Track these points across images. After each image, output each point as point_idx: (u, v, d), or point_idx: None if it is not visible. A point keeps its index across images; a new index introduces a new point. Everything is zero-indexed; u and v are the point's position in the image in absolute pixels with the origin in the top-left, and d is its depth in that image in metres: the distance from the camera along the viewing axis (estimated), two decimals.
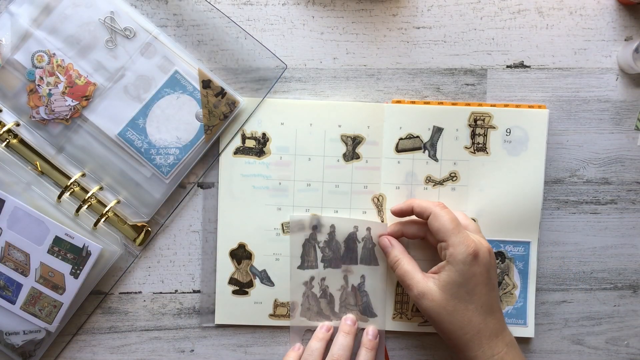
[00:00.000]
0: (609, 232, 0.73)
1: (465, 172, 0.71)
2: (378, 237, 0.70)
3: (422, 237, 0.69)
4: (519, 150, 0.71)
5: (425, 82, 0.72)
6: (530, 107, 0.71)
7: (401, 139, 0.71)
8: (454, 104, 0.71)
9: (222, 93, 0.69)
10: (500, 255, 0.72)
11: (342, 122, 0.71)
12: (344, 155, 0.71)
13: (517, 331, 0.72)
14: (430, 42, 0.72)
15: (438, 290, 0.63)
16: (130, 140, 0.69)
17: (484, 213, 0.72)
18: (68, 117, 0.69)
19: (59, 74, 0.68)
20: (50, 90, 0.68)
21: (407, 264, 0.66)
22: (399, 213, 0.69)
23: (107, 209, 0.70)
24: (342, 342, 0.68)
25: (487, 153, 0.71)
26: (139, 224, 0.71)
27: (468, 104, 0.71)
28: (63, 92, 0.68)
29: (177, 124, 0.69)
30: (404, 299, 0.72)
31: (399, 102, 0.71)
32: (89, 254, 0.68)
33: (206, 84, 0.69)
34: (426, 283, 0.64)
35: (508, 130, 0.71)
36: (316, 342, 0.69)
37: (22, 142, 0.69)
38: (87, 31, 0.69)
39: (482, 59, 0.72)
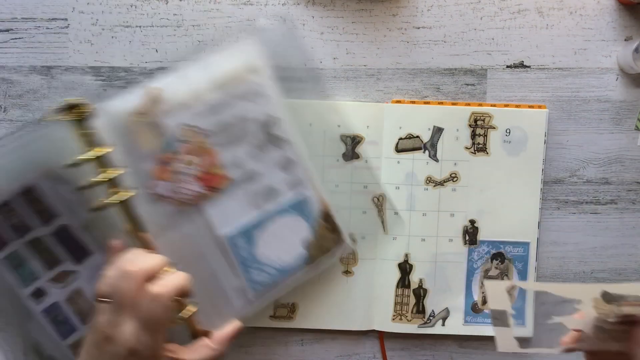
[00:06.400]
0: (609, 232, 0.73)
1: (465, 172, 0.71)
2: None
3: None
4: (518, 150, 0.71)
5: (425, 82, 0.72)
6: (530, 107, 0.71)
7: (401, 138, 0.71)
8: (454, 104, 0.71)
9: (336, 230, 0.68)
10: (499, 256, 0.72)
11: (342, 122, 0.71)
12: (344, 155, 0.71)
13: (516, 331, 0.72)
14: (430, 42, 0.72)
15: None
16: (236, 245, 0.65)
17: (484, 214, 0.72)
18: (188, 202, 0.63)
19: (198, 156, 0.63)
20: (183, 169, 0.63)
21: None
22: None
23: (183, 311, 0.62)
24: None
25: (487, 153, 0.71)
26: (201, 330, 0.63)
27: (468, 104, 0.71)
28: (196, 176, 0.63)
29: (283, 245, 0.67)
30: (404, 300, 0.72)
31: (399, 102, 0.71)
32: None
33: (326, 216, 0.68)
34: None
35: (508, 131, 0.71)
36: None
37: (124, 204, 0.60)
38: (243, 126, 0.65)
39: (482, 59, 0.72)
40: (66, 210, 0.63)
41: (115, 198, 0.59)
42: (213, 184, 0.64)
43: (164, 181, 0.63)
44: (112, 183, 0.59)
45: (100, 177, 0.58)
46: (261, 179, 0.66)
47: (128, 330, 0.54)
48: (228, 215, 0.65)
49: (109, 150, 0.59)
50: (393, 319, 0.72)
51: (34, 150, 0.61)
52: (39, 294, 0.66)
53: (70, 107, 0.57)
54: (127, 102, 0.62)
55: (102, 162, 0.58)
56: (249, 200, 0.65)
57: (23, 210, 0.63)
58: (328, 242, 0.68)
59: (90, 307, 0.64)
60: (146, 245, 0.60)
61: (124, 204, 0.59)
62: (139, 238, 0.60)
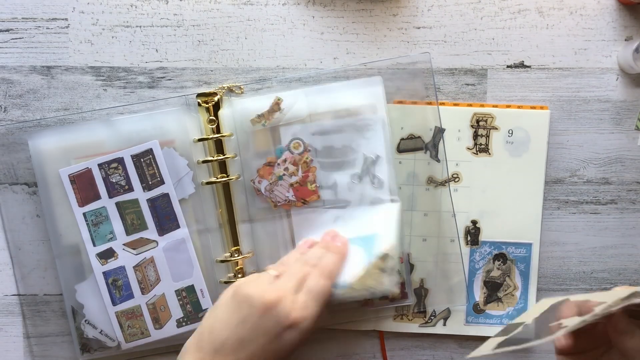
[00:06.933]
0: (609, 232, 0.73)
1: (467, 173, 0.72)
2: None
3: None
4: (521, 151, 0.71)
5: (425, 82, 0.72)
6: (532, 107, 0.72)
7: (402, 139, 0.71)
8: (455, 105, 0.71)
9: (388, 275, 0.67)
10: (502, 257, 0.72)
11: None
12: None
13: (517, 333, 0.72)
14: (430, 42, 0.72)
15: None
16: None
17: (486, 214, 0.72)
18: (277, 204, 0.69)
19: (300, 169, 0.69)
20: (283, 175, 0.69)
21: None
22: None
23: None
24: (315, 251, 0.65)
25: (490, 154, 0.71)
26: None
27: (470, 105, 0.71)
28: (291, 185, 0.69)
29: None
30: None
31: (400, 102, 0.71)
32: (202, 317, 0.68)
33: (384, 257, 0.67)
34: None
35: (510, 132, 0.71)
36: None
37: (225, 187, 0.70)
38: (347, 154, 0.69)
39: (482, 59, 0.72)
40: (172, 181, 0.68)
41: (220, 176, 0.69)
42: (303, 196, 0.69)
43: (265, 180, 0.69)
44: (222, 165, 0.69)
45: (214, 157, 0.69)
46: (347, 208, 0.69)
47: (300, 299, 0.59)
48: (308, 227, 0.69)
49: (227, 135, 0.69)
50: (394, 318, 0.72)
51: (162, 122, 0.69)
52: (108, 254, 0.69)
53: (205, 95, 0.69)
54: (256, 103, 0.69)
55: (218, 145, 0.69)
56: (331, 221, 0.69)
57: (132, 171, 0.68)
58: (371, 280, 0.67)
59: (156, 279, 0.69)
60: (232, 232, 0.70)
61: (226, 186, 0.69)
62: (227, 222, 0.70)
